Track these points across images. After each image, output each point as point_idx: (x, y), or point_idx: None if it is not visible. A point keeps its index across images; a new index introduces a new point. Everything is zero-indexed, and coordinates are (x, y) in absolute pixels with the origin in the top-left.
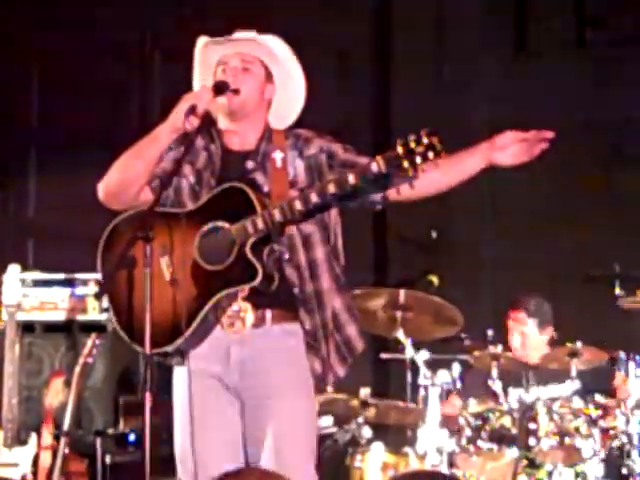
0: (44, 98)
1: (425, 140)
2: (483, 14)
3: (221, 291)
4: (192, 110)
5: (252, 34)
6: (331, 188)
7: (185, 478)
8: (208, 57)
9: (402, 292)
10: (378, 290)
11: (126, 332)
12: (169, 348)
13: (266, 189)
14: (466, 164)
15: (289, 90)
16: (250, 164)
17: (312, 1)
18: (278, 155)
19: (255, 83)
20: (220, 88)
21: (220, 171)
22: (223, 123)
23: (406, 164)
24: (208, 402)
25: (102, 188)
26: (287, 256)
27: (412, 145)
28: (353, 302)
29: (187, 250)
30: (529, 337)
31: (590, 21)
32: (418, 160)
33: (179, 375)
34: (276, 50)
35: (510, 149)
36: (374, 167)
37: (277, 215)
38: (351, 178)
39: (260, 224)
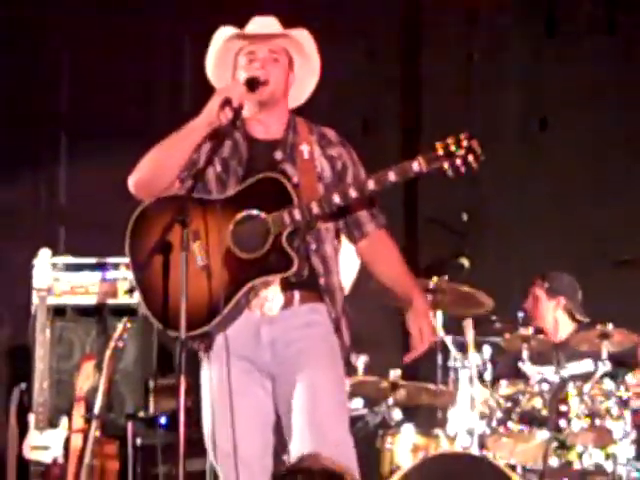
0: (75, 83)
1: (465, 143)
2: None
3: (255, 279)
4: (226, 103)
5: (273, 25)
6: (371, 184)
7: (215, 457)
8: (231, 45)
9: (431, 281)
10: None
11: (157, 316)
12: (197, 332)
13: (295, 180)
14: (401, 297)
15: (305, 73)
16: (279, 154)
17: None
18: (305, 148)
19: (283, 73)
20: (252, 84)
21: (247, 160)
22: (248, 111)
23: (446, 165)
24: (238, 383)
25: (133, 180)
26: (314, 247)
27: (452, 148)
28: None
29: (220, 237)
30: (539, 300)
31: (621, 4)
32: (458, 162)
33: (209, 358)
34: (306, 46)
35: (415, 328)
36: (415, 166)
37: (315, 208)
38: (392, 175)
39: (297, 215)
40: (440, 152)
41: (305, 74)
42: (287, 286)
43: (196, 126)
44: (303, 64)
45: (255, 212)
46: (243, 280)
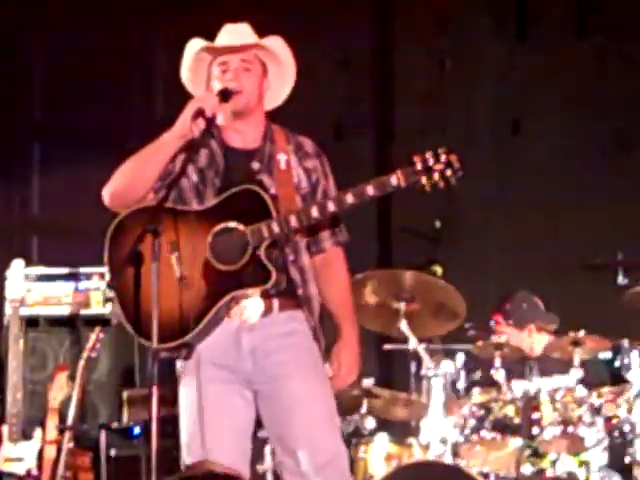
0: (48, 94)
1: (443, 158)
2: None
3: (233, 291)
4: (198, 115)
5: (245, 32)
6: (349, 198)
7: (190, 461)
8: (204, 56)
9: (408, 274)
10: (384, 272)
11: (133, 326)
12: (174, 344)
13: (273, 191)
14: (337, 323)
15: (280, 78)
16: (256, 165)
17: None
18: (282, 157)
19: (256, 82)
20: (226, 95)
21: (224, 170)
22: (224, 121)
23: (424, 180)
24: (216, 393)
25: (108, 192)
26: (292, 257)
27: (431, 162)
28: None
29: (198, 248)
30: (511, 337)
31: (590, 8)
32: (436, 177)
33: (187, 367)
34: (280, 54)
35: (335, 365)
36: (394, 180)
37: (293, 221)
38: (370, 190)
39: (276, 228)
40: (419, 166)
41: (280, 79)
42: (266, 294)
43: (169, 138)
44: (277, 70)
45: (233, 224)
46: (221, 292)
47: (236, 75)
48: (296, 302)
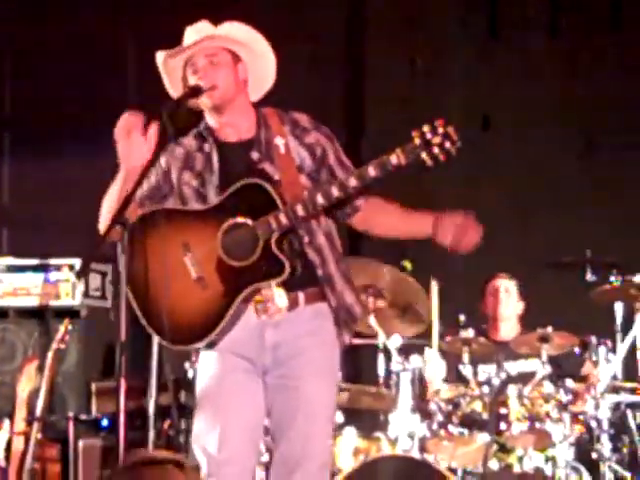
0: (17, 84)
1: (440, 130)
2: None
3: (250, 286)
4: (122, 140)
5: (206, 30)
6: (352, 182)
7: (201, 454)
8: (172, 64)
9: (386, 269)
10: (363, 261)
11: (155, 330)
12: (201, 344)
13: (276, 177)
14: (416, 229)
15: (258, 62)
16: (255, 155)
17: None
18: (280, 141)
19: (226, 71)
20: (195, 92)
21: (222, 166)
22: (212, 120)
23: (424, 154)
24: (237, 381)
25: (102, 228)
26: (307, 239)
27: (428, 136)
28: (349, 271)
29: (210, 247)
30: (509, 294)
31: (563, 7)
32: (436, 150)
33: (207, 357)
34: (236, 36)
35: (449, 235)
36: (394, 159)
37: (300, 210)
38: (372, 171)
39: (284, 220)
40: (417, 141)
41: (255, 60)
42: (291, 287)
43: (123, 175)
44: (248, 51)
45: (241, 220)
46: (238, 288)
47: (204, 72)
48: (321, 292)
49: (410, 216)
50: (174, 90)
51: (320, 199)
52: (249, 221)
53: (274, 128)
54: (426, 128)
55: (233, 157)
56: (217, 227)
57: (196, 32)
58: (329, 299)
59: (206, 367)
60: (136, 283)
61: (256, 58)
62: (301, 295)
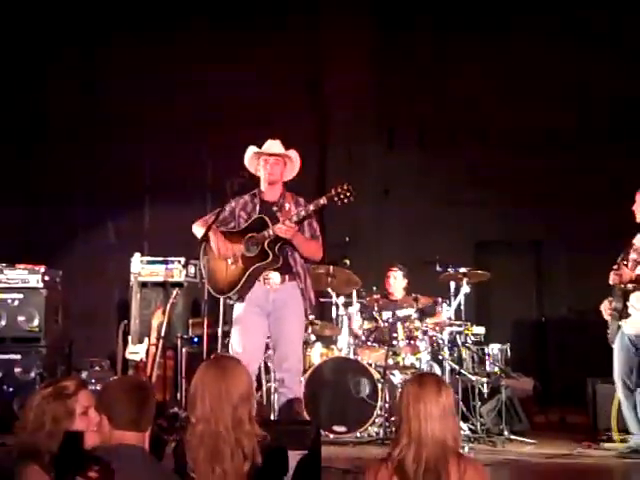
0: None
1: (345, 187)
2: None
3: (253, 266)
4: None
5: (283, 150)
6: (303, 212)
7: (233, 352)
8: (255, 155)
9: (331, 267)
10: (321, 266)
11: (212, 288)
12: (231, 294)
13: (281, 219)
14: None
15: (292, 166)
16: (275, 209)
17: None
18: (287, 205)
19: (280, 170)
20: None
21: (259, 211)
22: (263, 186)
23: (336, 199)
24: (253, 318)
25: (200, 237)
26: (289, 252)
27: (339, 190)
28: (309, 270)
29: (239, 248)
30: (397, 279)
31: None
32: (343, 197)
33: (239, 306)
34: (293, 157)
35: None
36: (322, 200)
37: (280, 228)
38: (311, 207)
39: (270, 233)
40: (333, 192)
41: (292, 166)
42: (281, 272)
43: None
44: (290, 162)
45: (254, 234)
46: (248, 267)
47: (272, 167)
48: (294, 275)
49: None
50: (249, 164)
51: (289, 221)
52: (256, 234)
53: (287, 199)
54: (338, 187)
55: (264, 207)
56: (243, 238)
57: (271, 145)
58: (298, 282)
59: (237, 311)
60: (207, 264)
61: (292, 163)
62: (286, 276)
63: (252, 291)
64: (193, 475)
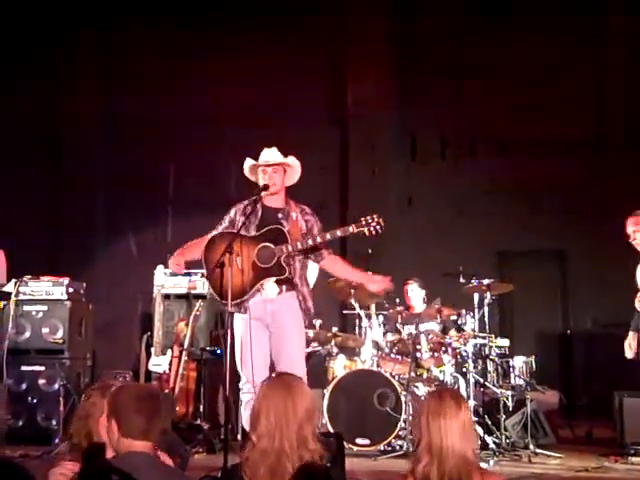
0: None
1: (376, 220)
2: None
3: (266, 277)
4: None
5: (280, 158)
6: (327, 236)
7: (241, 366)
8: (253, 167)
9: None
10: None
11: (218, 295)
12: (238, 301)
13: (287, 229)
14: (356, 279)
15: (293, 172)
16: (280, 216)
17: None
18: (294, 214)
19: (280, 178)
20: (266, 187)
21: (262, 218)
22: (266, 196)
23: (365, 230)
24: (255, 332)
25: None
26: (291, 261)
27: (370, 221)
28: (308, 283)
29: (249, 254)
30: (414, 291)
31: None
32: (372, 230)
33: (239, 318)
34: (292, 163)
35: (374, 286)
36: (351, 229)
37: (298, 246)
38: (338, 232)
39: (289, 248)
40: (362, 222)
41: (292, 173)
42: (279, 282)
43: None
44: (290, 169)
45: (268, 244)
46: (260, 277)
47: (270, 176)
48: (292, 286)
49: (352, 273)
50: (250, 175)
51: (310, 242)
52: (272, 245)
53: (292, 207)
54: (369, 217)
55: (269, 214)
56: (255, 245)
57: (269, 154)
58: (297, 292)
59: (239, 325)
60: (211, 272)
61: (291, 169)
62: (284, 287)
63: (251, 302)
64: None
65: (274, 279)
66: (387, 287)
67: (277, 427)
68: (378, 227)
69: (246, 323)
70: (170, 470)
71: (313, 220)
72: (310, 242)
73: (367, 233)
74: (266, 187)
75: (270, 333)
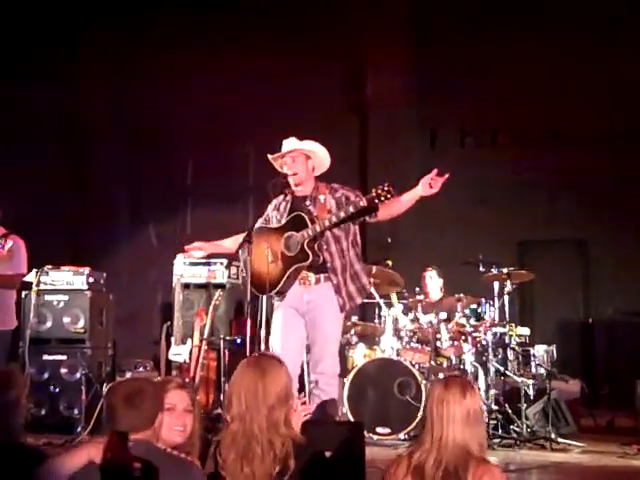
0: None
1: (386, 188)
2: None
3: (293, 266)
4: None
5: (296, 145)
6: (342, 213)
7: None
8: (274, 160)
9: (374, 268)
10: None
11: (253, 286)
12: (273, 292)
13: (315, 214)
14: (412, 198)
15: (320, 158)
16: (307, 203)
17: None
18: (321, 197)
19: (302, 165)
20: (285, 178)
21: (291, 207)
22: (294, 186)
23: (376, 200)
24: (290, 319)
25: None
26: (325, 247)
27: (379, 191)
28: (352, 267)
29: (278, 246)
30: (432, 278)
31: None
32: (383, 199)
33: (280, 303)
34: (309, 147)
35: (427, 188)
36: (363, 202)
37: (317, 227)
38: (351, 208)
39: (310, 232)
40: (374, 193)
41: (320, 159)
42: (316, 272)
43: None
44: (316, 155)
45: (292, 233)
46: (289, 266)
47: (290, 164)
48: (328, 275)
49: (407, 198)
50: (280, 170)
51: (327, 222)
52: (295, 233)
53: (320, 190)
54: (379, 186)
55: (297, 203)
56: (282, 236)
57: (284, 145)
58: (332, 280)
59: (276, 312)
60: (248, 263)
61: (316, 156)
62: (321, 276)
63: (289, 291)
64: (223, 474)
65: (307, 268)
66: (442, 178)
67: (248, 410)
68: (389, 195)
69: (281, 310)
70: (169, 457)
71: (342, 192)
72: (334, 219)
73: (379, 203)
74: (285, 178)
75: (306, 321)
